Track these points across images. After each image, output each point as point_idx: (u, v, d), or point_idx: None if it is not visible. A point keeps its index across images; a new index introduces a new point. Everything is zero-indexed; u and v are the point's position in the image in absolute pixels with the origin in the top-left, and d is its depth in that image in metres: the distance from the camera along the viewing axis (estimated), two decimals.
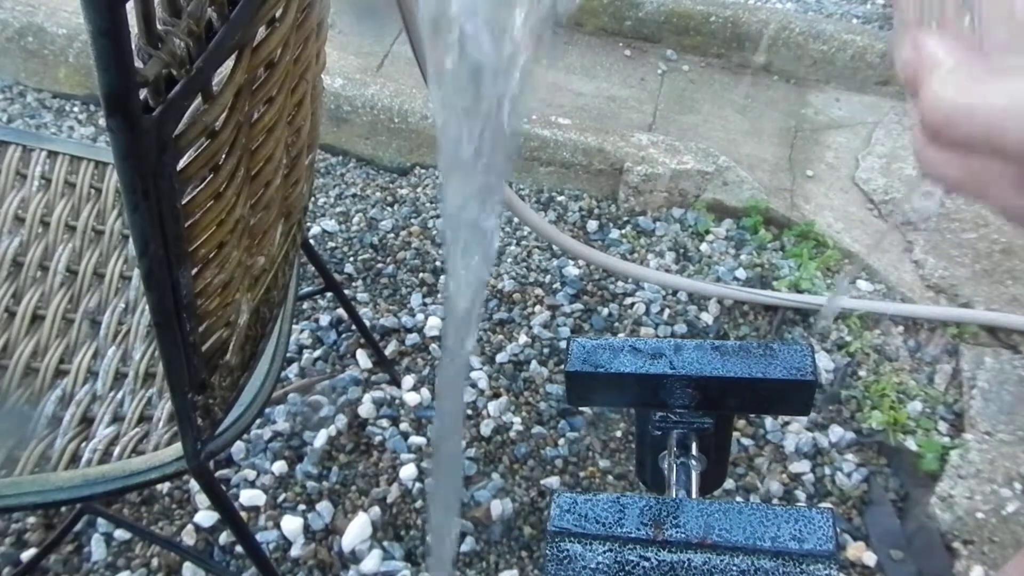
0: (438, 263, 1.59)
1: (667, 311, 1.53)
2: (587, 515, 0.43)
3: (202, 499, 1.21)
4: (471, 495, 1.25)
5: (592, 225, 1.69)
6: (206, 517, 1.20)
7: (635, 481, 1.28)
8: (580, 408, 1.37)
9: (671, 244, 1.66)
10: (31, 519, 1.18)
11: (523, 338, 1.46)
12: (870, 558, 1.20)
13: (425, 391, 1.38)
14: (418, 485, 1.26)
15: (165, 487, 1.23)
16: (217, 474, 1.25)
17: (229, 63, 0.54)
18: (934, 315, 1.49)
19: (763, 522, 0.42)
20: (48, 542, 1.11)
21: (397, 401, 1.36)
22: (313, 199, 1.70)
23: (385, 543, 1.19)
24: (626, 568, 0.41)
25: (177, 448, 0.72)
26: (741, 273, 1.59)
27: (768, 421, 1.36)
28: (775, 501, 1.28)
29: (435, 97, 0.32)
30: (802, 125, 1.97)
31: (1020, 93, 0.23)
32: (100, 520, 1.17)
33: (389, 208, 1.71)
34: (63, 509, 1.15)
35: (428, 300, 1.52)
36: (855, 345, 1.47)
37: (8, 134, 1.02)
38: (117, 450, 0.75)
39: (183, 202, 0.53)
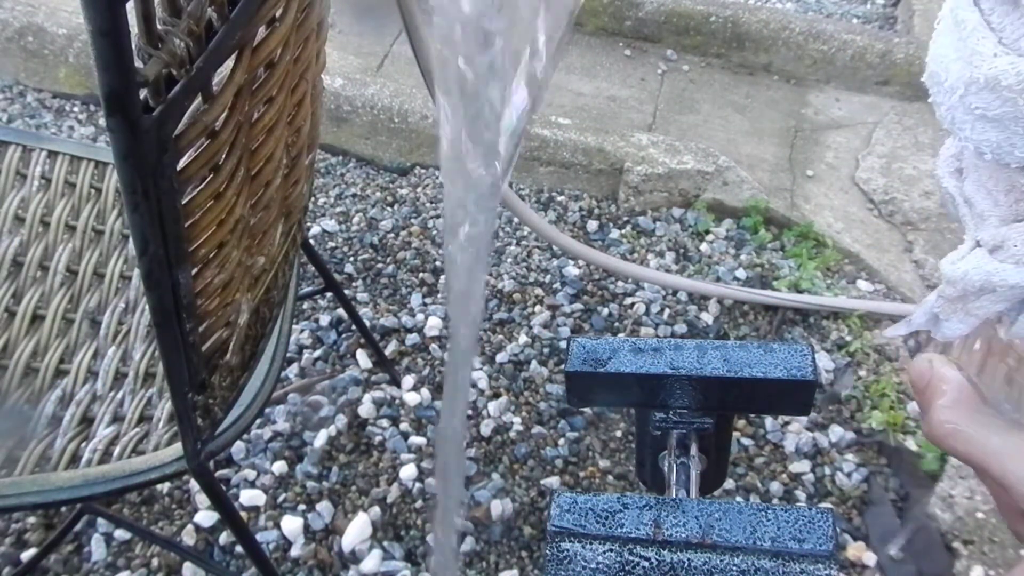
0: (438, 263, 1.59)
1: (667, 311, 1.53)
2: (587, 515, 0.43)
3: (202, 499, 1.21)
4: (471, 495, 1.25)
5: (592, 225, 1.69)
6: (206, 517, 1.20)
7: (635, 481, 1.28)
8: (580, 408, 1.37)
9: (671, 244, 1.66)
10: (31, 519, 1.18)
11: (523, 338, 1.46)
12: (870, 558, 1.20)
13: (425, 391, 1.38)
14: (418, 485, 1.26)
15: (165, 487, 1.23)
16: (217, 474, 1.25)
17: (229, 63, 0.54)
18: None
19: (763, 522, 0.42)
20: (48, 542, 1.11)
21: (397, 401, 1.36)
22: (313, 199, 1.70)
23: (385, 543, 1.19)
24: (626, 568, 0.41)
25: (177, 448, 0.72)
26: (741, 273, 1.59)
27: (768, 421, 1.36)
28: (775, 501, 1.28)
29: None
30: (802, 125, 1.97)
31: (1009, 443, 0.31)
32: (100, 520, 1.17)
33: (389, 208, 1.71)
34: (63, 509, 1.15)
35: (428, 300, 1.52)
36: (855, 345, 1.47)
37: (8, 134, 1.02)
38: (117, 450, 0.75)
39: (183, 202, 0.53)
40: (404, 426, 1.33)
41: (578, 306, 1.53)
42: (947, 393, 0.34)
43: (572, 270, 1.59)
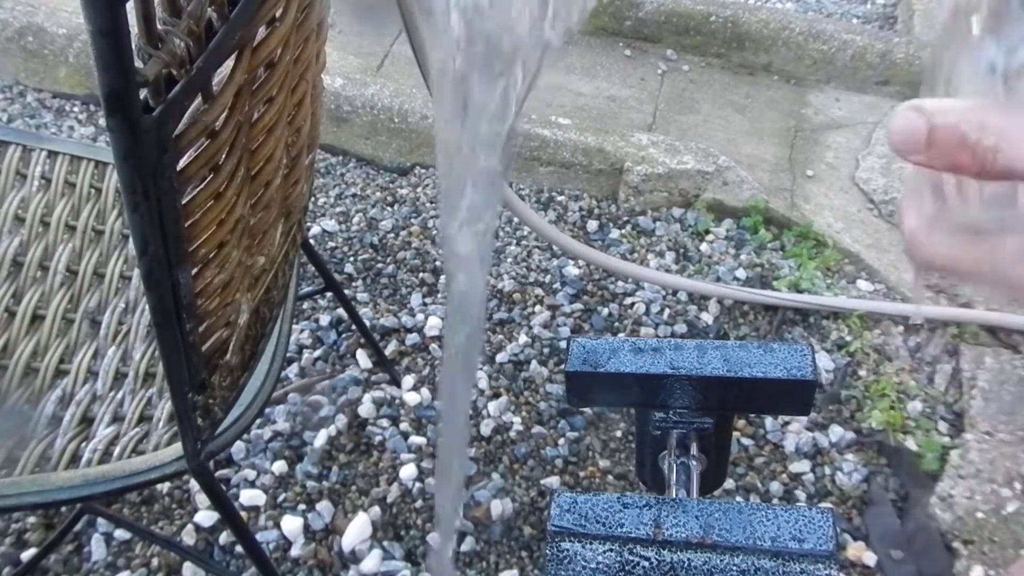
0: (438, 263, 1.59)
1: (667, 311, 1.53)
2: (587, 515, 0.43)
3: (202, 499, 1.21)
4: (471, 495, 1.25)
5: (592, 225, 1.69)
6: (206, 517, 1.20)
7: (635, 481, 1.28)
8: (580, 408, 1.37)
9: (671, 244, 1.66)
10: (31, 519, 1.18)
11: (523, 338, 1.46)
12: (870, 558, 1.20)
13: (425, 391, 1.38)
14: (418, 485, 1.26)
15: (165, 487, 1.23)
16: (217, 474, 1.25)
17: (229, 63, 0.54)
18: (934, 315, 1.49)
19: (763, 522, 0.42)
20: (48, 542, 1.11)
21: (397, 401, 1.36)
22: (313, 199, 1.70)
23: (385, 543, 1.19)
24: (626, 568, 0.41)
25: (177, 448, 0.72)
26: (741, 273, 1.59)
27: (768, 421, 1.36)
28: (775, 501, 1.28)
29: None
30: (802, 125, 1.97)
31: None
32: (100, 520, 1.17)
33: (389, 208, 1.71)
34: (63, 509, 1.15)
35: (428, 300, 1.52)
36: (855, 345, 1.47)
37: (8, 134, 1.02)
38: (117, 450, 0.75)
39: (183, 202, 0.53)
40: (404, 426, 1.33)
41: (578, 306, 1.53)
42: (953, 106, 0.30)
43: (572, 270, 1.59)
